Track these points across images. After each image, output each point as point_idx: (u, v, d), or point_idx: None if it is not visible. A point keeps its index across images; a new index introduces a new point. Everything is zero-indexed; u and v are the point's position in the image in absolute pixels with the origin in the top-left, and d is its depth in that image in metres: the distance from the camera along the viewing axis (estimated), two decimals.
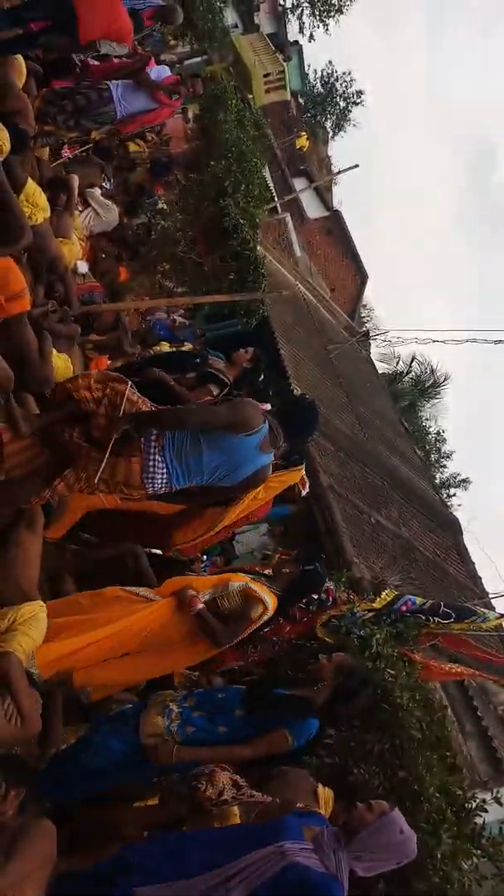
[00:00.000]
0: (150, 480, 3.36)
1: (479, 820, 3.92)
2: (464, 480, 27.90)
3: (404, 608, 4.94)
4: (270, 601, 3.99)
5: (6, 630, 3.14)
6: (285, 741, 3.32)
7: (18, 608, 3.23)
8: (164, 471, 3.36)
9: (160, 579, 4.28)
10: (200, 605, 3.80)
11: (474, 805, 3.97)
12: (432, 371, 23.91)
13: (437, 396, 24.64)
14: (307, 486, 5.49)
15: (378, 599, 4.90)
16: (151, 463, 3.35)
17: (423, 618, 5.07)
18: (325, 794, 3.35)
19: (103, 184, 7.61)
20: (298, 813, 3.06)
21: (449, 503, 21.01)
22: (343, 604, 4.80)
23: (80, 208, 6.90)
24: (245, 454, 3.42)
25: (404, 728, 4.00)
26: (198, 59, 15.12)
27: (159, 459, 3.35)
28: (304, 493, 5.51)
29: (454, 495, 26.37)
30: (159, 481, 3.37)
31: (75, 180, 6.44)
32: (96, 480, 3.35)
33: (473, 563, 11.98)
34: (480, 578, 11.66)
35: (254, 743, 3.30)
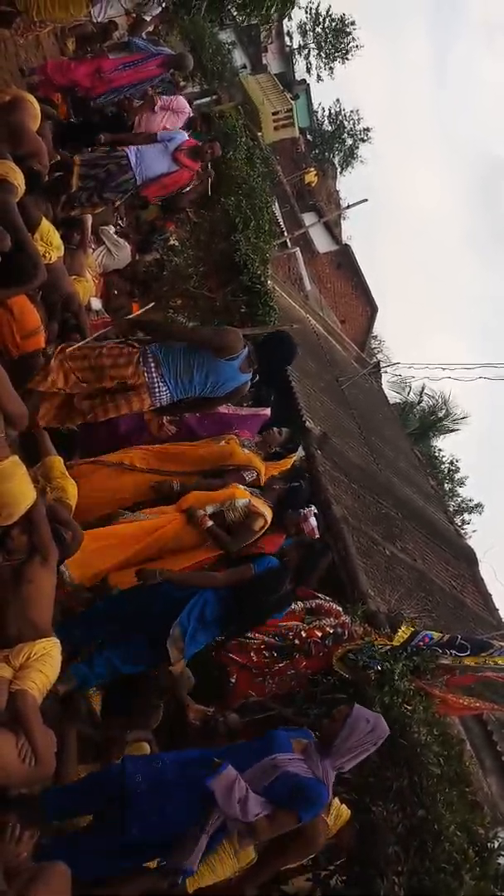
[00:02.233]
0: (156, 399, 4.41)
1: (502, 860, 3.82)
2: (477, 505, 27.78)
3: (421, 644, 4.88)
4: (268, 514, 4.69)
5: (20, 667, 3.12)
6: (249, 571, 4.14)
7: (32, 645, 3.21)
8: (166, 388, 4.38)
9: None
10: (210, 523, 4.48)
11: (497, 844, 3.88)
12: (445, 402, 23.86)
13: (453, 431, 24.53)
14: (317, 533, 5.48)
15: (396, 637, 4.83)
16: (156, 387, 4.37)
17: (440, 651, 5.01)
18: (338, 809, 3.55)
19: (117, 221, 7.73)
20: (287, 728, 3.50)
21: (464, 531, 20.87)
22: (359, 638, 4.75)
23: (93, 246, 6.99)
24: (229, 374, 4.42)
25: (423, 764, 3.93)
26: (207, 98, 15.41)
27: (160, 381, 4.36)
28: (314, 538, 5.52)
29: (469, 522, 26.23)
30: (165, 397, 4.42)
31: (88, 219, 6.53)
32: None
33: (490, 595, 11.86)
34: (497, 610, 11.53)
35: (225, 574, 4.14)
